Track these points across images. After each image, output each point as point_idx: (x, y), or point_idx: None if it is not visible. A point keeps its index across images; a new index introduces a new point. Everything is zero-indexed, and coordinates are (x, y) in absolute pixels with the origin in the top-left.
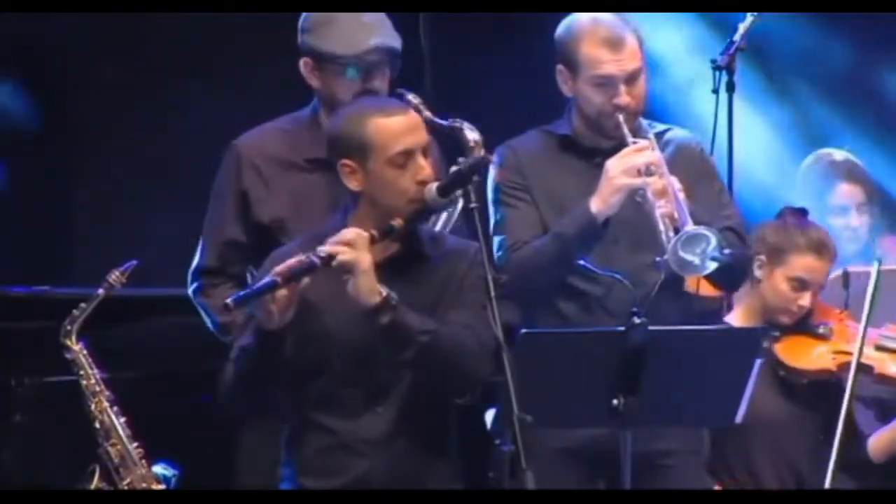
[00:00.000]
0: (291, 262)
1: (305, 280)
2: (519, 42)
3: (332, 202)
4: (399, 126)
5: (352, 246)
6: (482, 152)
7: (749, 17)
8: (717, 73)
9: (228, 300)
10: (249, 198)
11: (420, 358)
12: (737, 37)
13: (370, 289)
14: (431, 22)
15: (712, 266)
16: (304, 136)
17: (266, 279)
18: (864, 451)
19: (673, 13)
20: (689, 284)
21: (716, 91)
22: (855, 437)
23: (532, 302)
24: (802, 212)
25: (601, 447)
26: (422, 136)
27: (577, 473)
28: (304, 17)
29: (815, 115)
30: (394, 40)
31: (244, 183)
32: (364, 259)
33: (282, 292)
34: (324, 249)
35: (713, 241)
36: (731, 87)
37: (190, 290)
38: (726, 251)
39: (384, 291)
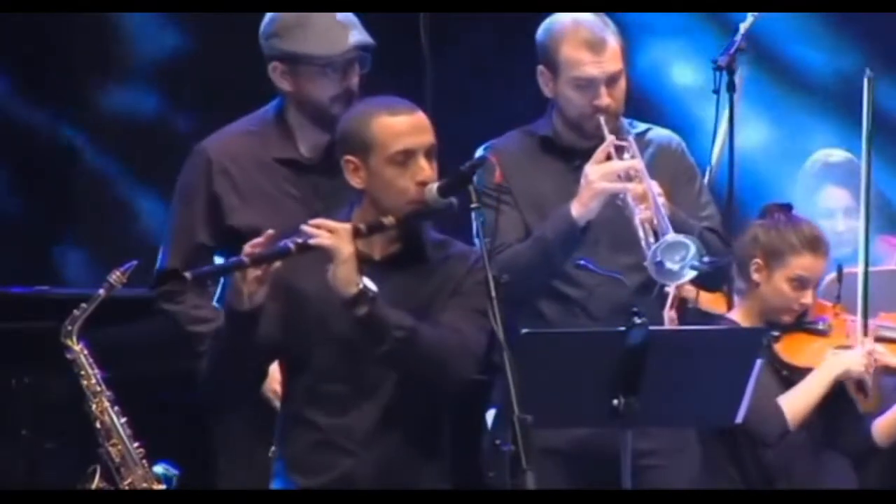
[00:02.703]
0: (263, 241)
1: (276, 263)
2: (519, 42)
3: (304, 200)
4: (402, 125)
5: (332, 233)
6: None
7: (749, 17)
8: (718, 74)
9: (187, 273)
10: (222, 204)
11: (395, 353)
12: (737, 37)
13: (348, 279)
14: (431, 22)
15: (690, 274)
16: (273, 136)
17: (234, 258)
18: (865, 436)
19: None
20: (689, 296)
21: (716, 91)
22: (853, 419)
23: (515, 305)
24: (788, 207)
25: (588, 447)
26: (426, 138)
27: (563, 473)
28: (268, 22)
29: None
30: (368, 37)
31: (215, 187)
32: (344, 249)
33: (253, 273)
34: (302, 236)
35: (692, 249)
36: (731, 87)
37: (153, 293)
38: (705, 259)
39: (362, 283)
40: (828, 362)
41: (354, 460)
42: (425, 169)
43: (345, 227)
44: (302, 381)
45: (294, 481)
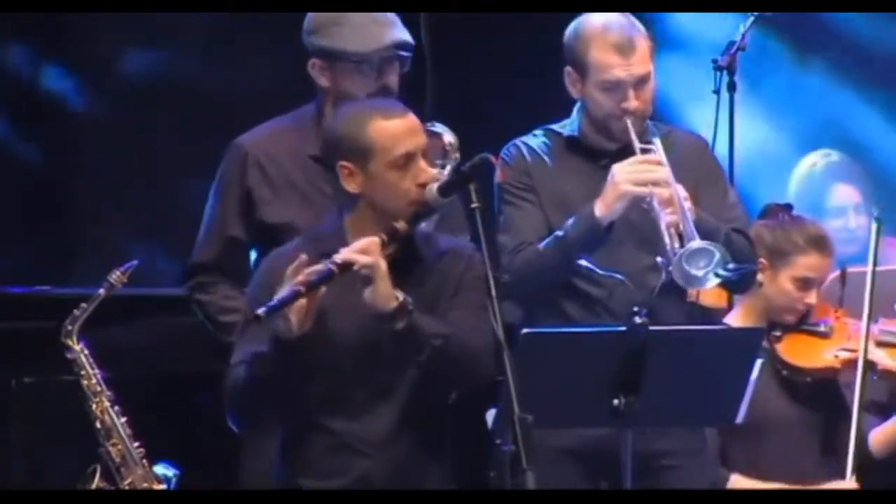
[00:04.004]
0: (309, 270)
1: (323, 288)
2: (520, 42)
3: (336, 197)
4: (400, 128)
5: (367, 253)
6: (457, 155)
7: (750, 17)
8: (718, 74)
9: (259, 311)
10: (254, 197)
11: (432, 360)
12: (737, 37)
13: (388, 294)
14: (432, 22)
15: (714, 281)
16: (310, 132)
17: (290, 289)
18: (863, 449)
19: None
20: (690, 293)
21: (716, 91)
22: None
23: (535, 302)
24: (788, 207)
25: (603, 447)
26: (422, 139)
27: (578, 474)
28: (309, 19)
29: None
30: (407, 35)
31: (249, 182)
32: (381, 265)
33: (301, 301)
34: (339, 257)
35: (717, 256)
36: (731, 87)
37: (185, 286)
38: (730, 266)
39: (401, 296)
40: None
41: (371, 463)
42: (426, 170)
43: (375, 243)
44: (317, 389)
45: (305, 486)
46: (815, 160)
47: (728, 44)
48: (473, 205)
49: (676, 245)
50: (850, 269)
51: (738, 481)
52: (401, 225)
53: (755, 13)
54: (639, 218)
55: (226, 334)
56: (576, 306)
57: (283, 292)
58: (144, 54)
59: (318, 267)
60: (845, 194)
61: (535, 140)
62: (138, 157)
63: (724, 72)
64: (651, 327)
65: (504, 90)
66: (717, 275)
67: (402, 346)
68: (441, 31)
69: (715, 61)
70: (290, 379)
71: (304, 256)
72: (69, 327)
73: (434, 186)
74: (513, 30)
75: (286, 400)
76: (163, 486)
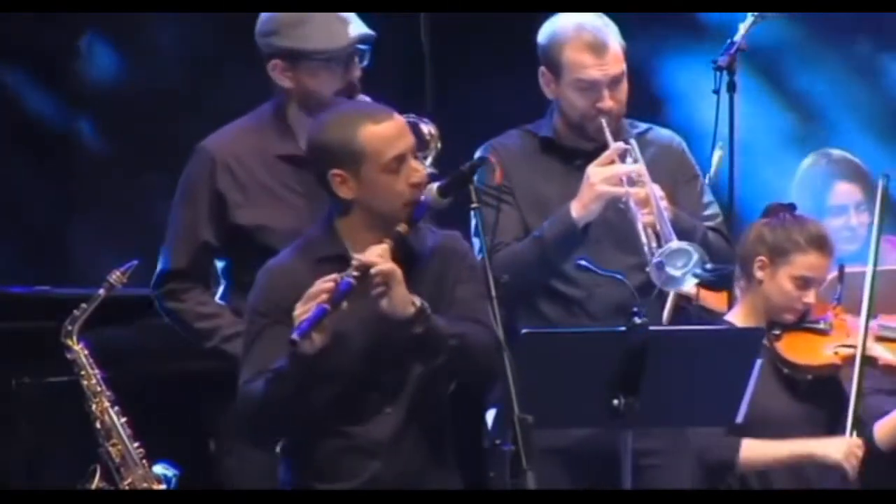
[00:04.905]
0: (327, 286)
1: (345, 303)
2: (519, 42)
3: (308, 195)
4: (390, 131)
5: (383, 259)
6: (439, 144)
7: (749, 17)
8: (718, 74)
9: (294, 336)
10: (227, 201)
11: (451, 362)
12: (737, 37)
13: (405, 300)
14: (431, 22)
15: (692, 282)
16: (272, 133)
17: (317, 308)
18: (866, 441)
19: None
20: (691, 292)
21: (716, 91)
22: (862, 430)
23: (513, 303)
24: (791, 207)
25: (590, 447)
26: (410, 139)
27: (565, 473)
28: (266, 20)
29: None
30: (367, 29)
31: (219, 185)
32: (397, 271)
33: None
34: (355, 265)
35: (695, 256)
36: (731, 88)
37: (155, 294)
38: (708, 266)
39: (417, 301)
40: (815, 442)
41: (380, 463)
42: (419, 169)
43: (386, 249)
44: (324, 392)
45: (315, 488)
46: (816, 159)
47: (728, 44)
48: (473, 205)
49: (654, 245)
50: (849, 269)
51: (749, 445)
52: (402, 227)
53: (755, 13)
54: (617, 218)
55: (203, 340)
56: (554, 307)
57: (310, 312)
58: (132, 65)
59: (329, 280)
60: (846, 192)
61: (510, 140)
62: (140, 155)
63: (724, 72)
64: (651, 327)
65: (504, 90)
66: (695, 275)
67: (422, 350)
68: (441, 31)
69: (715, 62)
70: (308, 392)
71: (335, 276)
72: (69, 327)
73: (433, 187)
74: (513, 30)
75: (303, 412)
76: (163, 486)
